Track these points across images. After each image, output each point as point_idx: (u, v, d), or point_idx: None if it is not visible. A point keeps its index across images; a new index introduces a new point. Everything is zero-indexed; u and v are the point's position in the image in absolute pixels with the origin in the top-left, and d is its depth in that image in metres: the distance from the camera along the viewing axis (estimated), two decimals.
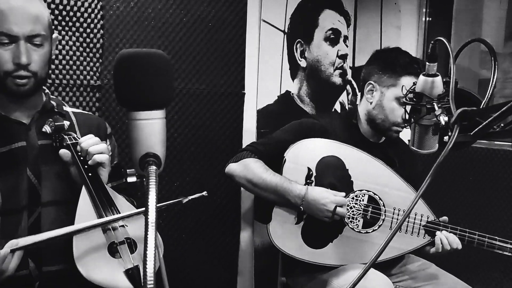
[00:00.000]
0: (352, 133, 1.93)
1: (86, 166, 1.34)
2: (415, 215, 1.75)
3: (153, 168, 0.76)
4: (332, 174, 1.78)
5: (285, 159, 1.78)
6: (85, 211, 1.29)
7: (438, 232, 1.72)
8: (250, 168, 1.78)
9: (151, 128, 0.79)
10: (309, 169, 1.78)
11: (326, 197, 1.69)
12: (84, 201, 1.31)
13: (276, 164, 1.80)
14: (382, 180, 1.78)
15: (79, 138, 1.39)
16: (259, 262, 2.38)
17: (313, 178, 1.77)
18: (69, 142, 1.37)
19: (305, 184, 1.76)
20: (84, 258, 1.22)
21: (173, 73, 0.76)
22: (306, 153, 1.79)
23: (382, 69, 1.87)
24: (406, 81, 1.81)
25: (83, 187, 1.33)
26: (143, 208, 1.30)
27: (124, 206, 1.35)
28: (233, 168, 1.82)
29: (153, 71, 0.78)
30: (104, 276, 1.21)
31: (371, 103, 1.88)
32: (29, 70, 1.29)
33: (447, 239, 1.70)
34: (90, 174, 1.34)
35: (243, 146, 2.25)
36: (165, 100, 0.80)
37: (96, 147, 1.35)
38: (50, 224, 1.33)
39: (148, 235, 0.70)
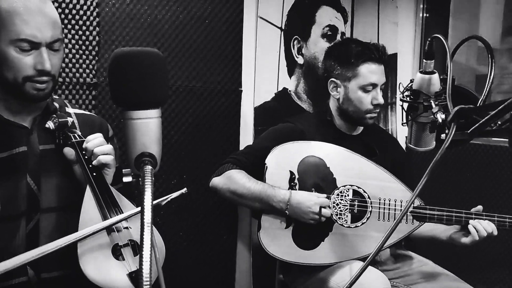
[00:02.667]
0: (328, 130, 1.95)
1: (90, 166, 1.33)
2: (401, 202, 1.76)
3: (148, 168, 0.76)
4: (314, 174, 1.78)
5: (267, 165, 1.78)
6: (90, 211, 1.29)
7: (470, 221, 1.68)
8: (233, 179, 1.78)
9: (147, 127, 0.79)
10: (291, 173, 1.78)
11: (310, 199, 1.70)
12: (89, 201, 1.30)
13: (259, 172, 1.80)
14: (364, 173, 1.79)
15: (83, 137, 1.37)
16: (257, 260, 2.38)
17: (296, 181, 1.77)
18: (73, 140, 1.34)
19: (289, 188, 1.77)
20: (88, 258, 1.21)
21: (167, 72, 0.76)
22: (286, 157, 1.79)
23: (339, 64, 1.90)
24: (365, 69, 1.85)
25: (87, 187, 1.31)
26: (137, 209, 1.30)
27: (127, 207, 1.35)
28: (216, 181, 1.83)
29: (148, 70, 0.77)
30: (107, 278, 1.20)
31: (338, 99, 1.92)
32: (50, 75, 1.27)
33: (481, 224, 1.65)
34: (94, 174, 1.32)
35: (241, 144, 2.25)
36: (160, 99, 0.80)
37: (101, 148, 1.33)
38: (49, 231, 1.32)
39: (144, 235, 0.70)
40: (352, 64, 1.86)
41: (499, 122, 0.86)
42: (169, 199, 1.36)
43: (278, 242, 1.75)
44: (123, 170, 0.85)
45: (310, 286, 1.80)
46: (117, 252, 1.25)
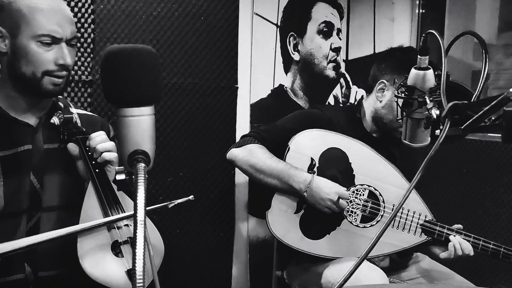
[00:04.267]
0: (355, 127, 1.91)
1: (93, 162, 1.34)
2: (413, 213, 1.74)
3: (141, 165, 0.75)
4: (334, 166, 1.77)
5: (289, 147, 1.77)
6: (91, 208, 1.30)
7: (452, 237, 1.68)
8: (254, 153, 1.76)
9: (139, 125, 0.78)
10: (312, 160, 1.77)
11: (331, 187, 1.69)
12: (90, 198, 1.31)
13: (278, 152, 1.78)
14: (384, 176, 1.76)
15: (87, 134, 1.38)
16: (254, 256, 2.38)
17: (315, 169, 1.76)
18: (78, 137, 1.36)
19: None
20: (87, 254, 1.22)
21: (161, 68, 0.75)
22: (310, 143, 1.78)
23: (397, 69, 1.79)
24: None
25: (90, 183, 1.32)
26: (148, 208, 1.30)
27: (129, 205, 1.35)
28: (236, 153, 1.80)
29: (140, 67, 0.76)
30: (106, 274, 1.20)
31: (380, 101, 1.83)
32: (68, 70, 1.32)
33: (461, 244, 1.66)
34: (97, 170, 1.33)
35: (237, 141, 2.25)
36: (153, 96, 0.79)
37: (104, 145, 1.34)
38: (49, 229, 1.31)
39: (137, 233, 0.70)
40: None
41: (493, 118, 0.86)
42: (175, 203, 1.38)
43: (284, 224, 1.75)
44: (116, 168, 0.85)
45: (307, 281, 1.81)
46: (116, 249, 1.25)
